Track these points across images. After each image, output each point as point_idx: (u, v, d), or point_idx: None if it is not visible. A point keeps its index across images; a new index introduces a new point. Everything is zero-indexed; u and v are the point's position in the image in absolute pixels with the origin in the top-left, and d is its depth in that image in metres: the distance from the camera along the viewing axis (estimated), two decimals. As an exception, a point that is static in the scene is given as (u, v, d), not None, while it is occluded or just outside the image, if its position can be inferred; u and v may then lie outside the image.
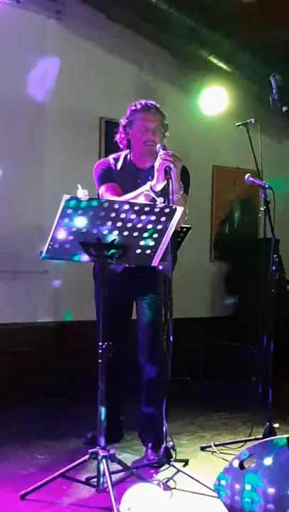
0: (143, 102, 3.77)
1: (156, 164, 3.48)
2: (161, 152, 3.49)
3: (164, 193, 3.35)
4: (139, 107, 3.76)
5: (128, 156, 3.82)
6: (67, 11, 5.25)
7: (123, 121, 3.81)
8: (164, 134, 3.79)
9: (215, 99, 5.32)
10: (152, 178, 3.51)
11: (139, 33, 5.39)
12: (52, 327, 5.40)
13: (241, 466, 2.84)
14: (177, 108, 5.75)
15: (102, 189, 3.72)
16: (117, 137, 3.86)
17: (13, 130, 5.13)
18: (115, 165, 3.80)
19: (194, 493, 3.24)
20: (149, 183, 3.50)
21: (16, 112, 5.13)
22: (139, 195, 3.49)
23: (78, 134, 5.50)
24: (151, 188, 3.46)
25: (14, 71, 5.07)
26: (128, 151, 3.83)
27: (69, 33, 5.38)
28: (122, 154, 3.84)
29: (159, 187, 3.45)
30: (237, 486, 2.82)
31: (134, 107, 3.78)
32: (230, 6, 5.08)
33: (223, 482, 2.88)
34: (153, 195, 3.37)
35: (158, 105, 3.80)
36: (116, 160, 3.82)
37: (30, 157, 5.24)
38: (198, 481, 3.30)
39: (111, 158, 3.85)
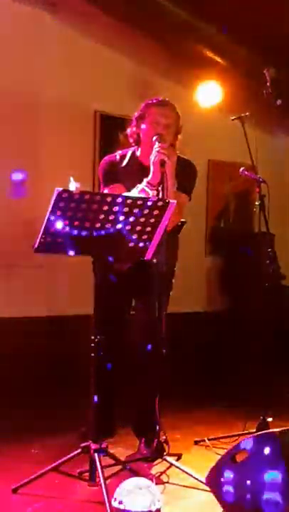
0: (160, 98, 3.69)
1: (152, 157, 3.46)
2: (157, 145, 3.46)
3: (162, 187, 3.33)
4: (154, 101, 3.67)
5: (136, 153, 3.74)
6: (62, 4, 5.22)
7: (136, 114, 3.70)
8: (177, 136, 3.71)
9: (210, 93, 5.30)
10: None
11: (134, 26, 5.37)
12: (47, 321, 5.39)
13: (234, 459, 2.84)
14: (172, 102, 5.74)
15: (106, 190, 3.67)
16: (128, 131, 3.77)
17: (7, 123, 5.11)
18: (121, 161, 3.73)
19: (187, 487, 3.25)
20: (145, 179, 3.47)
21: (10, 105, 5.11)
22: (143, 193, 3.46)
23: (73, 127, 5.49)
24: (148, 182, 3.44)
25: (8, 64, 5.05)
26: (136, 147, 3.75)
27: (64, 26, 5.36)
28: (130, 151, 3.77)
29: (156, 181, 3.41)
30: (228, 480, 2.83)
31: (149, 101, 3.68)
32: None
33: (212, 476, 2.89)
34: (149, 190, 3.35)
35: (172, 103, 3.71)
36: (122, 157, 3.75)
37: (24, 151, 5.22)
38: (190, 475, 3.30)
39: (117, 154, 3.78)
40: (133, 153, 3.76)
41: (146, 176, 3.53)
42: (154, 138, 3.51)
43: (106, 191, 3.65)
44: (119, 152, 3.79)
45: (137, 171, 3.64)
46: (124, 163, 3.72)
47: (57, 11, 5.23)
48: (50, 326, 5.38)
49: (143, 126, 3.66)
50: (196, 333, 6.28)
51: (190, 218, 4.74)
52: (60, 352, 5.19)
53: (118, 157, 3.75)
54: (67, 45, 5.40)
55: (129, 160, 3.73)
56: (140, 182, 3.53)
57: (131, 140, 3.76)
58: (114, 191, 3.58)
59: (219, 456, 3.40)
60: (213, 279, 6.75)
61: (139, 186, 3.48)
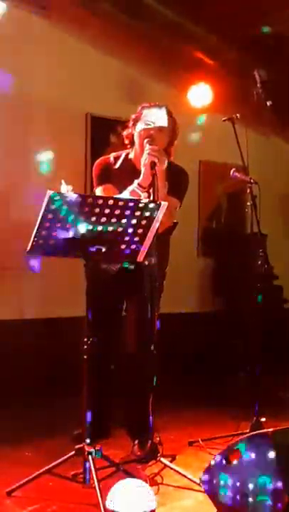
0: (157, 102, 3.71)
1: (143, 159, 3.47)
2: (148, 147, 3.47)
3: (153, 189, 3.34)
4: (151, 104, 3.69)
5: (129, 155, 3.75)
6: (53, 6, 5.22)
7: (133, 116, 3.73)
8: (173, 141, 3.73)
9: (201, 94, 5.32)
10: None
11: (125, 28, 5.37)
12: (40, 323, 5.38)
13: (227, 460, 2.85)
14: (167, 105, 5.75)
15: (98, 190, 3.69)
16: (124, 132, 3.78)
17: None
18: (115, 163, 3.73)
19: (181, 488, 3.26)
20: (136, 181, 3.48)
21: (1, 107, 5.10)
22: (134, 194, 3.46)
23: (64, 129, 5.49)
24: (139, 184, 3.45)
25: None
26: (130, 150, 3.76)
27: (54, 28, 5.36)
28: (124, 153, 3.78)
29: (146, 183, 3.43)
30: (222, 481, 2.83)
31: (146, 104, 3.71)
32: (216, 0, 5.07)
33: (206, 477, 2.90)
34: (140, 192, 3.36)
35: (169, 109, 3.72)
36: (116, 159, 3.75)
37: (15, 153, 5.22)
38: (184, 476, 3.31)
39: (112, 156, 3.78)
40: (127, 155, 3.77)
41: (139, 177, 3.53)
42: (146, 140, 3.52)
43: (98, 191, 3.67)
44: (114, 154, 3.80)
45: (130, 172, 3.63)
46: (118, 164, 3.73)
47: (47, 13, 5.23)
48: (42, 328, 5.37)
49: (137, 126, 3.66)
50: (187, 334, 6.28)
51: (182, 219, 4.74)
52: (53, 353, 5.19)
53: (112, 159, 3.76)
54: (57, 48, 5.40)
55: (122, 162, 3.74)
56: (130, 180, 3.54)
57: (126, 141, 3.77)
58: (106, 192, 3.61)
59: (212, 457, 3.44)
60: (205, 280, 6.75)
61: (130, 188, 3.49)
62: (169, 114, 3.69)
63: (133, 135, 3.71)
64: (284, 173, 7.38)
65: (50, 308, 5.45)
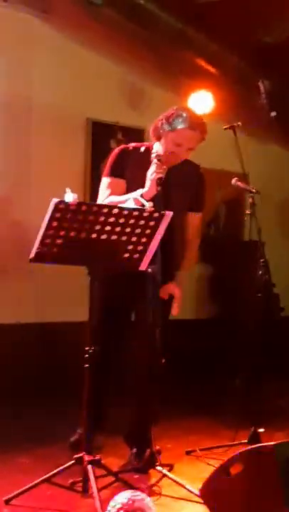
0: (194, 118, 3.60)
1: (149, 173, 3.45)
2: (154, 166, 3.45)
3: (157, 200, 3.34)
4: (187, 119, 3.54)
5: (150, 148, 3.69)
6: (55, 11, 5.21)
7: (167, 116, 3.60)
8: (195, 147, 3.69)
9: (202, 102, 5.30)
10: (166, 178, 3.47)
11: (126, 34, 5.36)
12: (36, 328, 5.36)
13: (227, 473, 2.84)
14: (164, 109, 5.73)
15: (104, 181, 3.64)
16: (153, 126, 3.69)
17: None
18: (133, 152, 3.68)
19: (180, 498, 3.24)
20: (140, 190, 3.44)
21: (1, 112, 5.09)
22: (131, 201, 3.45)
23: (65, 134, 5.47)
24: (142, 195, 3.43)
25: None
26: (151, 144, 3.71)
27: (56, 33, 5.34)
28: (144, 146, 3.73)
29: (149, 196, 3.40)
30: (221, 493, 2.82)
31: (184, 115, 3.56)
32: (217, 7, 5.07)
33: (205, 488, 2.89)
34: (143, 201, 3.35)
35: (205, 123, 3.64)
36: (136, 148, 3.71)
37: (15, 157, 5.21)
38: (183, 487, 3.29)
39: (131, 145, 3.74)
40: (148, 147, 3.70)
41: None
42: (154, 155, 3.50)
43: (106, 181, 3.63)
44: (134, 144, 3.76)
45: (145, 166, 3.56)
46: (136, 154, 3.67)
47: (49, 18, 5.21)
48: (39, 333, 5.35)
49: (167, 135, 3.59)
50: (185, 341, 6.26)
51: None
52: (50, 359, 5.17)
53: (131, 148, 3.72)
54: (59, 53, 5.39)
55: (142, 153, 3.67)
56: (145, 175, 3.50)
57: (152, 135, 3.71)
58: (111, 186, 3.59)
59: (211, 467, 3.43)
60: (203, 287, 6.75)
61: (133, 195, 3.46)
62: (202, 132, 3.63)
63: (160, 132, 3.62)
64: (281, 181, 7.39)
65: (46, 313, 5.42)
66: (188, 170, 3.77)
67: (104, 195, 3.60)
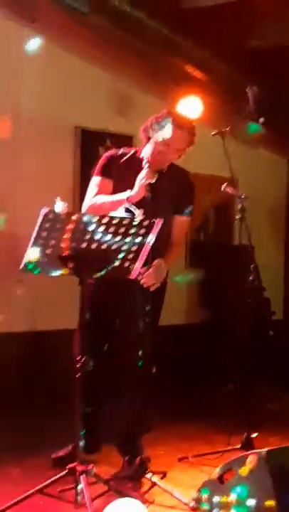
0: (183, 119, 3.72)
1: (139, 177, 3.47)
2: (144, 171, 3.49)
3: (145, 205, 3.38)
4: (175, 120, 3.64)
5: (137, 153, 3.76)
6: (42, 19, 5.20)
7: (156, 117, 3.68)
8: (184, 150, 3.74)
9: (191, 107, 5.30)
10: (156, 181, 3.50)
11: (114, 41, 5.36)
12: (27, 337, 5.34)
13: (221, 479, 2.85)
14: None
15: (94, 179, 3.72)
16: (143, 127, 3.75)
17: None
18: (121, 157, 3.75)
19: (173, 507, 3.23)
20: (127, 192, 3.48)
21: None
22: (118, 204, 3.48)
23: (53, 142, 5.46)
24: (128, 197, 3.45)
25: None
26: (140, 148, 3.78)
27: (44, 41, 5.33)
28: (133, 150, 3.80)
29: (136, 199, 3.46)
30: (216, 499, 2.83)
31: (173, 116, 3.66)
32: (205, 14, 5.08)
33: (204, 496, 2.88)
34: (133, 209, 3.35)
35: (193, 126, 3.73)
36: (124, 154, 3.77)
37: (4, 166, 5.19)
38: (174, 496, 3.27)
39: (121, 150, 3.81)
40: (135, 152, 3.78)
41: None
42: (145, 161, 3.54)
43: (94, 180, 3.71)
44: (123, 148, 3.82)
45: (133, 169, 3.63)
46: (124, 159, 3.74)
47: (36, 26, 5.21)
48: (30, 342, 5.33)
49: (156, 136, 3.64)
50: (175, 346, 6.27)
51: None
52: (42, 368, 5.15)
53: (120, 152, 3.79)
54: (47, 61, 5.37)
55: (130, 157, 3.75)
56: (134, 176, 3.54)
57: (142, 135, 3.76)
58: (100, 185, 3.66)
59: (204, 474, 3.43)
60: (193, 292, 6.75)
61: (119, 196, 3.52)
62: (190, 132, 3.70)
63: (149, 133, 3.69)
64: (270, 185, 7.42)
65: (38, 321, 5.41)
66: (177, 175, 3.80)
67: (92, 193, 3.69)
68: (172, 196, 3.72)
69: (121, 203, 3.48)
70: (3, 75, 5.10)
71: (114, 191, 3.63)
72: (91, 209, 3.56)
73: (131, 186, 3.52)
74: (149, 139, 3.70)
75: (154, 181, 3.44)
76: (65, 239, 2.91)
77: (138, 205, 3.43)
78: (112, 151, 3.82)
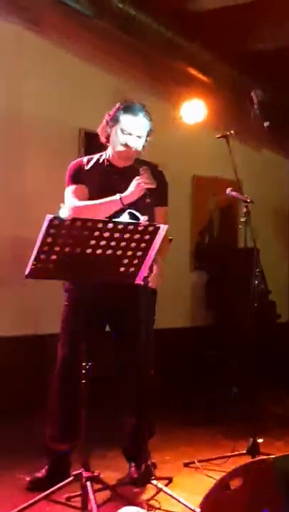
0: (133, 104, 3.67)
1: (133, 185, 3.46)
2: (142, 175, 3.48)
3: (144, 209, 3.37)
4: (127, 107, 3.65)
5: (103, 156, 3.75)
6: (45, 22, 5.20)
7: (109, 114, 3.69)
8: (147, 138, 3.69)
9: (194, 110, 5.30)
10: (127, 179, 3.50)
11: (118, 44, 5.36)
12: (30, 340, 5.33)
13: (227, 487, 2.82)
14: (157, 119, 5.71)
15: (69, 189, 3.67)
16: (99, 129, 3.75)
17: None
18: (86, 164, 3.72)
19: (179, 513, 3.22)
20: (118, 194, 3.46)
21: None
22: (108, 204, 3.46)
23: (57, 145, 5.45)
24: (121, 198, 3.43)
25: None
26: (104, 153, 3.76)
27: (47, 43, 5.33)
28: (97, 155, 3.77)
29: (128, 201, 3.45)
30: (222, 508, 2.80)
31: (123, 105, 3.66)
32: (208, 17, 5.08)
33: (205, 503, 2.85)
34: (138, 214, 3.34)
35: (146, 109, 3.69)
36: (89, 160, 3.75)
37: (8, 169, 5.18)
38: (178, 501, 3.25)
39: (85, 158, 3.79)
40: (101, 156, 3.76)
41: (111, 174, 3.61)
42: (141, 169, 3.52)
43: (68, 190, 3.65)
44: (88, 156, 3.80)
45: (104, 172, 3.66)
46: (90, 165, 3.71)
47: (40, 29, 5.20)
48: (33, 345, 5.31)
49: (114, 129, 3.64)
50: (180, 349, 6.26)
51: (175, 234, 4.73)
52: (45, 371, 5.12)
53: (85, 160, 3.76)
54: (50, 63, 5.37)
55: (95, 162, 3.73)
56: (108, 181, 3.57)
57: (102, 138, 3.74)
58: (76, 191, 3.60)
59: (210, 479, 3.41)
60: (198, 295, 6.74)
61: (108, 199, 3.48)
62: (146, 116, 3.66)
63: (109, 134, 3.67)
64: (274, 187, 7.41)
65: (43, 325, 5.39)
66: (153, 174, 3.73)
67: (72, 202, 3.59)
68: (151, 192, 3.64)
69: (109, 206, 3.46)
70: (6, 77, 5.10)
71: (89, 198, 3.62)
72: (75, 213, 3.45)
73: (101, 191, 3.52)
74: (108, 137, 3.68)
75: (154, 186, 3.41)
76: (70, 245, 2.89)
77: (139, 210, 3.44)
78: (77, 161, 3.79)
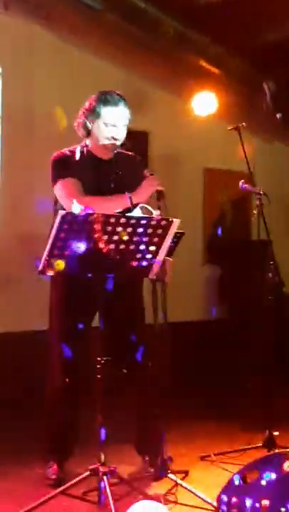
0: (111, 95, 3.57)
1: (144, 186, 3.43)
2: (150, 178, 3.46)
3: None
4: (106, 100, 3.54)
5: (85, 149, 3.62)
6: (55, 17, 5.19)
7: (86, 109, 3.59)
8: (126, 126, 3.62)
9: (206, 103, 5.27)
10: (115, 171, 3.50)
11: (128, 37, 5.35)
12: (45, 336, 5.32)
13: (244, 480, 2.82)
14: (168, 112, 5.72)
15: (58, 185, 3.51)
16: (76, 123, 3.65)
17: (1, 137, 5.08)
18: (72, 156, 3.59)
19: (196, 507, 3.21)
20: (127, 194, 3.39)
21: (4, 119, 5.07)
22: (116, 201, 3.39)
23: (68, 141, 5.43)
24: (130, 197, 3.38)
25: (2, 79, 5.02)
26: (84, 143, 3.64)
27: (57, 39, 5.33)
28: (78, 147, 3.64)
29: (139, 200, 3.40)
30: (239, 502, 2.79)
31: (102, 97, 3.56)
32: (218, 9, 5.05)
33: (223, 497, 2.85)
34: (151, 209, 3.33)
35: (124, 98, 3.60)
36: (72, 152, 3.62)
37: (19, 165, 5.20)
38: (195, 494, 3.25)
39: (66, 150, 3.64)
40: (82, 148, 3.63)
41: (104, 168, 3.54)
42: (146, 171, 3.51)
43: (58, 185, 3.52)
44: (67, 149, 3.66)
45: (93, 164, 3.57)
46: (77, 157, 3.59)
47: (49, 24, 5.20)
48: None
49: (96, 123, 3.54)
50: (194, 343, 6.25)
51: (187, 227, 4.72)
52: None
53: (68, 152, 3.62)
54: (61, 58, 5.37)
55: (80, 154, 3.60)
56: (98, 175, 3.51)
57: (79, 133, 3.64)
58: (68, 185, 3.47)
59: (227, 472, 3.40)
60: (210, 288, 6.73)
61: (119, 198, 3.41)
62: (126, 104, 3.58)
63: (88, 128, 3.57)
64: (287, 179, 7.36)
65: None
66: (131, 161, 3.68)
67: (75, 193, 3.40)
68: (139, 180, 3.56)
69: (119, 204, 3.37)
70: (16, 73, 5.11)
71: None
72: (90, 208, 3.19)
73: (94, 184, 3.47)
74: (88, 133, 3.58)
75: (163, 188, 3.38)
76: (83, 240, 2.89)
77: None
78: (61, 152, 3.63)
